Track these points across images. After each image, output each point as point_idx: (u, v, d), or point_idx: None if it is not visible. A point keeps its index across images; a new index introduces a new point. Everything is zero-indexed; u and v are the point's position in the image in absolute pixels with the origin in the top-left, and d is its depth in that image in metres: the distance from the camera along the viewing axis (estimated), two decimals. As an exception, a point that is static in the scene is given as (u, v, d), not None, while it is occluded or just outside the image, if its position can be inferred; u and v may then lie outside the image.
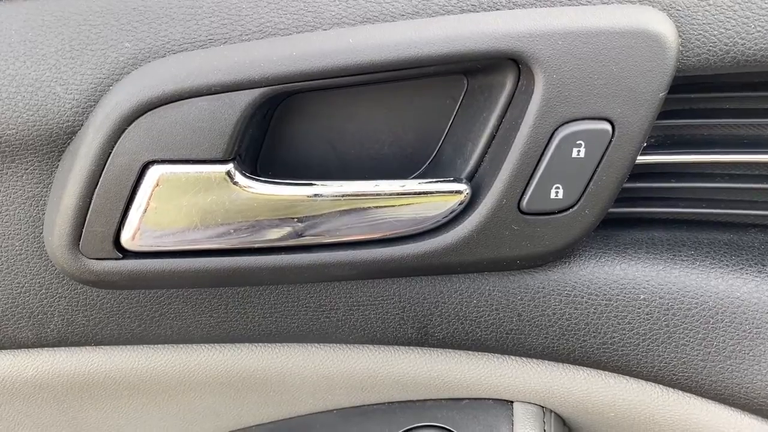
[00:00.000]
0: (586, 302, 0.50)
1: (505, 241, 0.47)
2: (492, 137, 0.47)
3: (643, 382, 0.53)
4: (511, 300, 0.51)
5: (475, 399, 0.59)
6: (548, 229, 0.47)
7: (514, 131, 0.45)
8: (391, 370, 0.57)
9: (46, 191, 0.48)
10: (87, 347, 0.57)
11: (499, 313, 0.52)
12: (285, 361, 0.57)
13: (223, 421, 0.64)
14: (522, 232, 0.47)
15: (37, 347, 0.56)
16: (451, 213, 0.47)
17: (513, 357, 0.55)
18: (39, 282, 0.52)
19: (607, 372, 0.53)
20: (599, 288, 0.50)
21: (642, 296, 0.50)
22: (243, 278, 0.50)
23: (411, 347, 0.56)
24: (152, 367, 0.58)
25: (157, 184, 0.45)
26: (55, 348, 0.57)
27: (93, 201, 0.45)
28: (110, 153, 0.44)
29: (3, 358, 0.56)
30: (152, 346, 0.57)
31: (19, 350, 0.56)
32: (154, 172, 0.45)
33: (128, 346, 0.57)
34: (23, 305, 0.53)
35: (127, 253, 0.47)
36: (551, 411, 0.58)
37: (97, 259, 0.47)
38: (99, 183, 0.45)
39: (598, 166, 0.45)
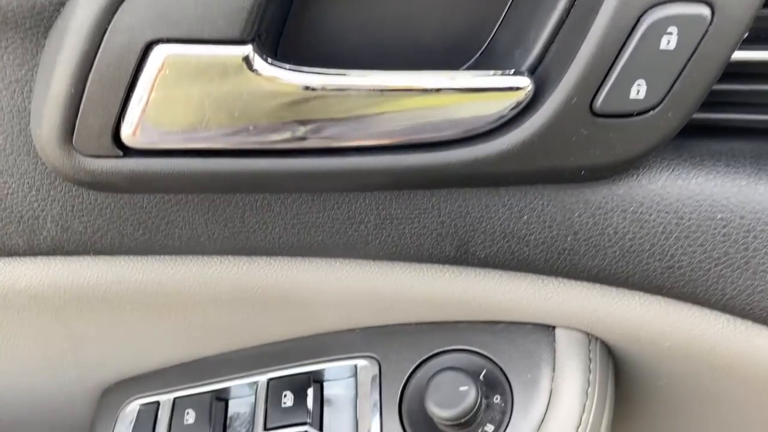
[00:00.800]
0: (653, 220, 0.44)
1: (570, 148, 0.41)
2: (561, 22, 0.39)
3: (708, 311, 0.47)
4: (567, 216, 0.45)
5: (513, 323, 0.54)
6: (623, 134, 0.40)
7: (592, 14, 0.37)
8: (422, 289, 0.52)
9: (32, 75, 0.41)
10: (85, 257, 0.51)
11: (552, 231, 0.46)
12: (306, 277, 0.51)
13: (234, 339, 0.59)
14: (592, 138, 0.40)
15: (29, 255, 0.50)
16: (508, 113, 0.40)
17: (560, 279, 0.50)
18: (28, 183, 0.45)
19: (668, 299, 0.48)
20: (670, 205, 0.44)
21: (719, 215, 0.43)
22: (262, 184, 0.43)
23: (446, 266, 0.50)
24: (158, 280, 0.52)
25: (163, 68, 0.38)
26: (50, 257, 0.51)
27: (87, 88, 0.38)
28: (106, 29, 0.37)
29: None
30: (158, 257, 0.51)
31: (11, 258, 0.51)
32: (159, 54, 0.37)
33: (131, 257, 0.51)
34: (11, 209, 0.46)
35: (128, 151, 0.41)
36: (597, 338, 0.53)
37: (93, 156, 0.41)
38: (93, 66, 0.38)
39: (689, 60, 0.38)
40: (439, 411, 0.49)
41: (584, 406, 0.49)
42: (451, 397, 0.49)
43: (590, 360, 0.51)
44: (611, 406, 0.53)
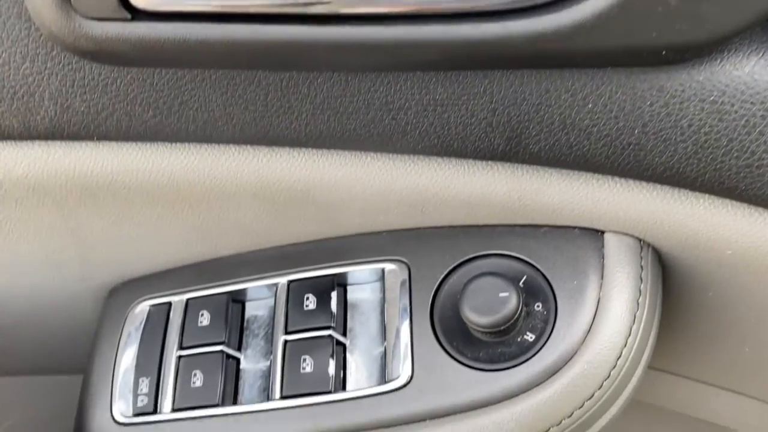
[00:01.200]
0: (735, 112, 0.39)
1: (654, 23, 0.35)
2: None
3: (785, 218, 0.43)
4: (638, 106, 0.39)
5: (558, 227, 0.49)
6: (717, 6, 0.34)
7: None
8: (460, 189, 0.47)
9: None
10: (88, 142, 0.46)
11: (618, 122, 0.40)
12: (333, 172, 0.46)
13: (252, 239, 0.55)
14: (680, 10, 0.34)
15: (26, 139, 0.45)
16: (584, -23, 0.34)
17: (617, 179, 0.45)
18: (21, 52, 0.39)
19: (739, 202, 0.43)
20: (757, 94, 0.38)
21: (813, 108, 0.38)
22: (289, 58, 0.38)
23: (490, 162, 0.45)
24: (169, 171, 0.47)
25: None
26: (49, 141, 0.45)
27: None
28: None
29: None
30: (170, 144, 0.46)
31: (5, 142, 0.45)
32: None
33: (139, 143, 0.46)
34: (3, 84, 0.41)
35: (137, 13, 0.35)
36: (649, 245, 0.49)
37: (96, 19, 0.35)
38: None
39: None
40: (477, 317, 0.45)
41: (635, 316, 0.46)
42: (489, 303, 0.46)
43: (642, 268, 0.47)
44: (659, 317, 0.49)
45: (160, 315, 0.57)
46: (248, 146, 0.46)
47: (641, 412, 0.57)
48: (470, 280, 0.47)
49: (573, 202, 0.47)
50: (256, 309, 0.56)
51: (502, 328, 0.45)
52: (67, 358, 0.68)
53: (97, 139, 0.44)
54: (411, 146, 0.43)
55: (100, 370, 0.57)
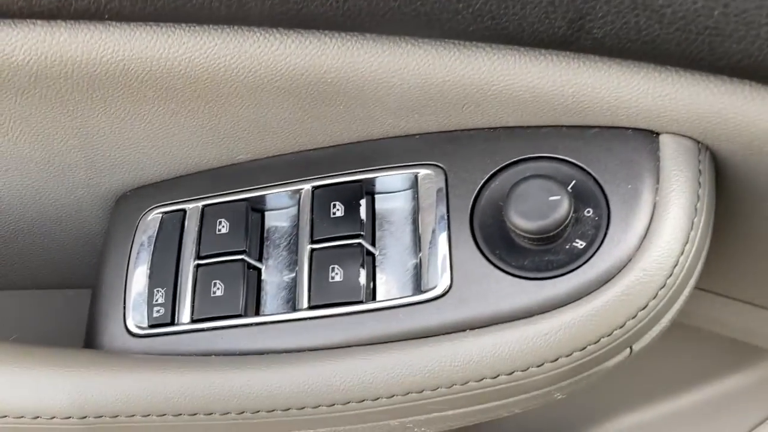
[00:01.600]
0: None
1: None
2: None
3: None
4: (721, -19, 0.35)
5: (608, 128, 0.45)
6: None
7: None
8: (509, 83, 0.43)
9: None
10: (96, 23, 0.41)
11: (696, 3, 0.36)
12: (369, 60, 0.42)
13: (272, 141, 0.51)
14: None
15: (27, 17, 0.40)
16: None
17: (680, 72, 0.41)
18: None
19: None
20: None
21: None
22: None
23: (545, 52, 0.41)
24: (187, 59, 0.43)
25: None
26: (52, 22, 0.41)
27: None
28: None
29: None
30: (189, 26, 0.41)
31: (3, 21, 0.40)
32: None
33: (155, 25, 0.41)
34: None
35: None
36: (707, 148, 0.45)
37: None
38: None
39: None
40: (524, 223, 0.42)
41: (693, 222, 0.43)
42: (538, 207, 0.42)
43: (699, 172, 0.44)
44: (713, 226, 0.46)
45: (174, 223, 0.53)
46: (276, 30, 0.41)
47: (681, 331, 0.54)
48: (516, 184, 0.43)
49: (629, 99, 0.43)
50: (276, 219, 0.53)
51: (551, 234, 0.42)
52: (73, 272, 0.65)
53: (109, 18, 0.39)
54: (460, 30, 0.39)
55: (112, 281, 0.53)
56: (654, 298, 0.42)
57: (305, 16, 0.39)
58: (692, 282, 0.45)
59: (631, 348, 0.44)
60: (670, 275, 0.42)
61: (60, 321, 0.66)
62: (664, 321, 0.44)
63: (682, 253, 0.42)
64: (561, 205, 0.42)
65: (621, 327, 0.42)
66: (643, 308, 0.42)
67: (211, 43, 0.42)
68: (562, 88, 0.42)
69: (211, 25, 0.41)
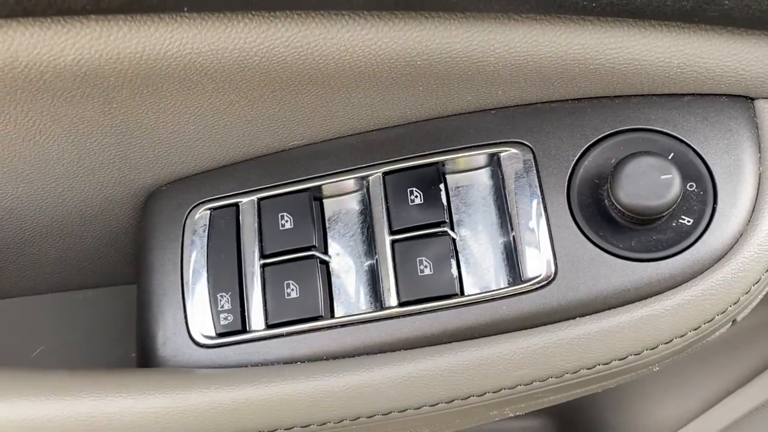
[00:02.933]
0: None
1: None
2: None
3: None
4: None
5: (703, 95, 0.44)
6: None
7: None
8: (611, 57, 0.40)
9: None
10: (162, 16, 0.35)
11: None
12: (467, 42, 0.38)
13: (331, 125, 0.47)
14: None
15: (89, 14, 0.34)
16: None
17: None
18: None
19: None
20: None
21: None
22: None
23: (654, 23, 0.39)
24: (264, 48, 0.38)
25: None
26: (111, 17, 0.35)
27: None
28: None
29: (33, 36, 0.34)
30: (268, 13, 0.36)
31: (57, 21, 0.34)
32: None
33: (229, 15, 0.36)
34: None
35: None
36: (801, 111, 0.44)
37: None
38: None
39: None
40: (638, 204, 0.40)
41: (797, 190, 0.42)
42: (650, 187, 0.40)
43: (798, 137, 0.43)
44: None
45: (228, 219, 0.49)
46: (369, 14, 0.37)
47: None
48: (623, 162, 0.41)
49: (730, 66, 0.41)
50: (337, 206, 0.49)
51: (664, 214, 0.41)
52: (96, 272, 0.59)
53: (168, 10, 0.34)
54: (580, 6, 0.36)
55: (164, 287, 0.49)
56: (767, 271, 0.41)
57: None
58: None
59: (735, 320, 0.44)
60: (782, 247, 0.41)
61: (87, 323, 0.61)
62: (767, 288, 0.44)
63: None
64: (673, 184, 0.40)
65: (735, 303, 0.41)
66: (756, 282, 0.41)
67: (293, 30, 0.37)
68: (670, 59, 0.40)
69: (291, 11, 0.36)
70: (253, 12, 0.36)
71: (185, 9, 0.33)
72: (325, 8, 0.36)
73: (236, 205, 0.49)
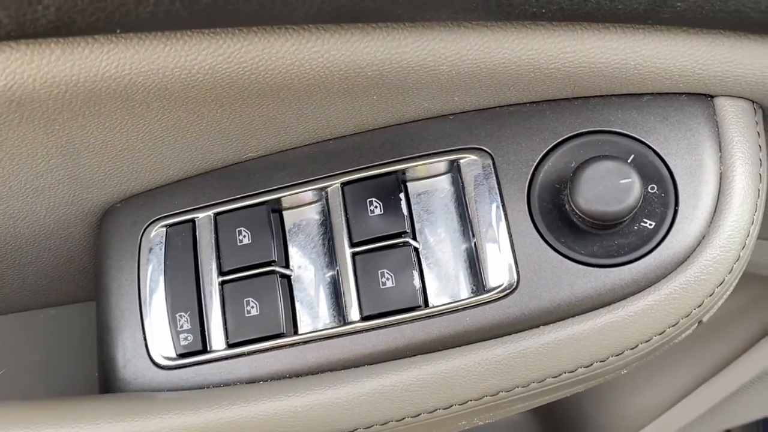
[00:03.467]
0: None
1: None
2: None
3: None
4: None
5: (662, 94, 0.43)
6: None
7: None
8: (566, 60, 0.39)
9: None
10: (98, 38, 0.34)
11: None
12: (417, 51, 0.37)
13: (288, 136, 0.45)
14: None
15: (18, 38, 0.32)
16: None
17: (735, 34, 0.38)
18: None
19: None
20: None
21: None
22: None
23: (608, 26, 0.38)
24: (207, 65, 0.36)
25: None
26: (50, 39, 0.33)
27: None
28: None
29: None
30: (216, 32, 0.35)
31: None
32: None
33: (169, 35, 0.35)
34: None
35: None
36: (761, 107, 0.43)
37: None
38: None
39: None
40: (597, 210, 0.39)
41: (759, 190, 0.41)
42: (609, 192, 0.40)
43: (758, 134, 0.42)
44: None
45: (184, 236, 0.47)
46: (315, 27, 0.35)
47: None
48: (581, 167, 0.40)
49: (688, 65, 0.40)
50: (297, 216, 0.48)
51: (625, 218, 0.40)
52: (55, 291, 0.58)
53: (121, 31, 0.32)
54: (530, 13, 0.35)
55: (122, 308, 0.48)
56: (730, 272, 0.41)
57: (354, 11, 0.33)
58: (753, 244, 0.44)
59: (701, 321, 0.43)
60: (743, 247, 0.41)
61: (49, 342, 0.59)
62: (732, 288, 0.43)
63: (752, 223, 0.41)
64: (633, 188, 0.39)
65: (699, 306, 0.41)
66: (720, 284, 0.41)
67: (235, 46, 0.36)
68: (626, 60, 0.39)
69: (232, 28, 0.35)
70: (192, 30, 0.34)
71: (118, 31, 0.32)
72: (265, 23, 0.35)
73: (192, 220, 0.47)
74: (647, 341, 0.41)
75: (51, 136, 0.41)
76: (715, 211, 0.41)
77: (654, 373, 0.79)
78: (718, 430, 1.11)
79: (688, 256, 0.40)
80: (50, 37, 0.33)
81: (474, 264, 0.44)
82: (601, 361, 0.41)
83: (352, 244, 0.44)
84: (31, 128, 0.40)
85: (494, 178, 0.43)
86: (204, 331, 0.45)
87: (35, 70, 0.35)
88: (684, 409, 0.77)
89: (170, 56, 0.35)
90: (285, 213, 0.48)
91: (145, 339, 0.46)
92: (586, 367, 0.41)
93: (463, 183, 0.44)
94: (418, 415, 0.43)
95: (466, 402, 0.42)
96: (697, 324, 0.44)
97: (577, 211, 0.40)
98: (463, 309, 0.42)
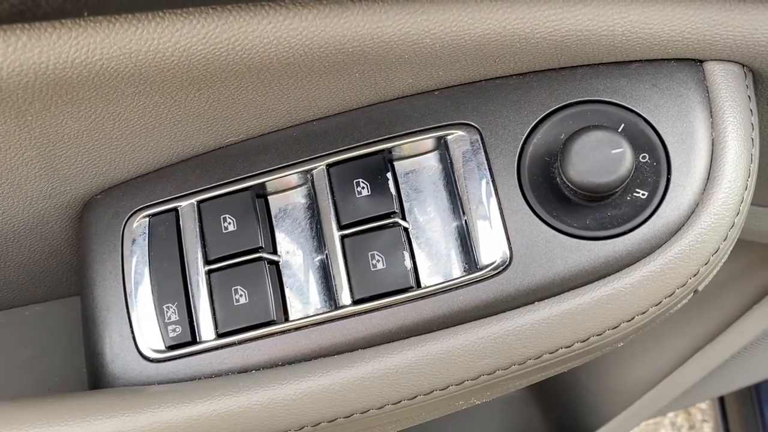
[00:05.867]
0: None
1: None
2: None
3: None
4: None
5: (651, 61, 0.42)
6: None
7: None
8: (552, 29, 0.38)
9: None
10: (65, 23, 0.32)
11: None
12: (398, 25, 0.36)
13: (269, 119, 0.44)
14: None
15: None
16: None
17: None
18: None
19: None
20: None
21: None
22: None
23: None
24: (181, 47, 0.35)
25: None
26: (15, 26, 0.32)
27: None
28: None
29: None
30: (189, 11, 0.33)
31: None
32: None
33: (139, 17, 0.33)
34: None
35: None
36: (750, 70, 0.43)
37: None
38: None
39: None
40: (589, 181, 0.39)
41: (751, 155, 0.41)
42: (601, 163, 0.39)
43: (749, 98, 0.42)
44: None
45: (168, 225, 0.46)
46: (291, 3, 0.34)
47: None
48: (571, 138, 0.39)
49: (677, 29, 0.39)
50: (283, 201, 0.47)
51: (617, 189, 0.39)
52: (37, 287, 0.57)
53: (89, 14, 0.31)
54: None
55: (108, 302, 0.46)
56: (725, 239, 0.40)
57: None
58: (747, 210, 0.43)
59: (696, 290, 0.43)
60: (737, 213, 0.40)
61: (36, 339, 0.58)
62: (726, 255, 0.43)
63: (746, 189, 0.40)
64: (624, 158, 0.39)
65: (695, 275, 0.40)
66: (715, 252, 0.40)
67: (209, 26, 0.34)
68: (614, 27, 0.38)
69: (208, 8, 0.33)
70: (164, 11, 0.33)
71: (86, 14, 0.31)
72: (240, 1, 0.33)
73: (175, 209, 0.46)
74: (643, 313, 0.40)
75: (23, 127, 0.40)
76: (708, 178, 0.40)
77: (648, 343, 0.79)
78: (712, 396, 1.11)
79: (683, 225, 0.40)
80: (15, 23, 0.31)
81: (465, 242, 0.43)
82: (597, 335, 0.41)
83: (341, 227, 0.43)
84: (2, 120, 0.38)
85: (483, 153, 0.43)
86: (192, 321, 0.44)
87: (1, 59, 0.33)
88: (679, 378, 0.77)
89: (142, 39, 0.34)
90: (270, 198, 0.47)
91: (132, 332, 0.45)
92: (583, 341, 0.41)
93: (451, 160, 0.43)
94: (415, 397, 0.42)
95: (463, 382, 0.42)
96: (692, 293, 0.43)
97: (569, 184, 0.40)
98: (456, 288, 0.42)
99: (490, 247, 0.41)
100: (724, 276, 0.75)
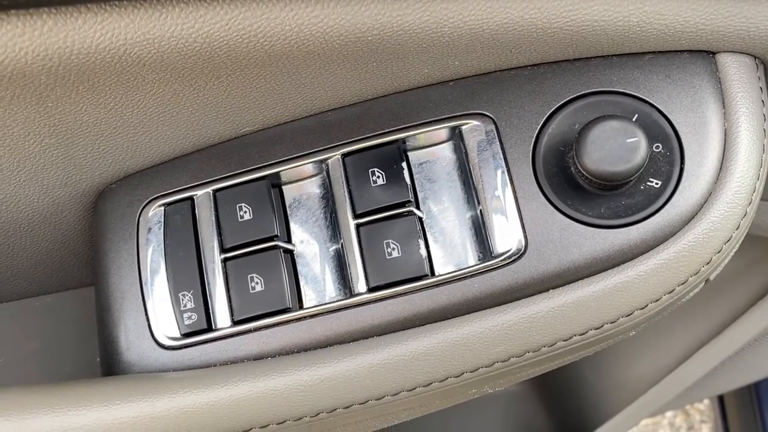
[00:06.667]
0: None
1: None
2: None
3: None
4: None
5: (664, 53, 0.43)
6: None
7: None
8: (569, 19, 0.38)
9: None
10: (91, 7, 0.33)
11: None
12: (418, 14, 0.36)
13: (288, 107, 0.45)
14: None
15: (6, 8, 0.31)
16: None
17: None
18: None
19: None
20: None
21: None
22: None
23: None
24: (204, 34, 0.35)
25: None
26: (33, 11, 0.32)
27: None
28: None
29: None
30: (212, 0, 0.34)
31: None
32: None
33: (164, 2, 0.34)
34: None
35: None
36: (762, 62, 0.43)
37: None
38: None
39: None
40: (605, 170, 0.39)
41: (764, 145, 0.41)
42: (616, 151, 0.39)
43: (761, 89, 0.42)
44: None
45: (183, 214, 0.46)
46: (313, -9, 0.35)
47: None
48: (587, 127, 0.40)
49: (691, 20, 0.40)
50: (297, 191, 0.47)
51: (632, 178, 0.40)
52: (51, 278, 0.57)
53: (115, -1, 0.31)
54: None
55: (123, 289, 0.47)
56: (737, 228, 0.41)
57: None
58: (759, 200, 0.44)
59: (708, 279, 0.43)
60: (750, 203, 0.41)
61: (47, 329, 0.58)
62: (738, 244, 0.43)
63: (758, 178, 0.41)
64: (639, 147, 0.39)
65: (708, 263, 0.41)
66: (728, 240, 0.41)
67: (233, 12, 0.35)
68: (629, 17, 0.39)
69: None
70: (182, -3, 0.33)
71: (111, -2, 0.31)
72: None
73: (191, 198, 0.47)
74: (657, 300, 0.41)
75: (44, 114, 0.40)
76: (721, 168, 0.41)
77: (653, 339, 0.80)
78: (714, 394, 1.12)
79: (696, 214, 0.40)
80: (41, 7, 0.31)
81: (479, 231, 0.43)
82: (611, 323, 0.41)
83: (356, 216, 0.44)
84: (23, 106, 0.39)
85: (498, 143, 0.43)
86: (208, 309, 0.45)
87: (27, 43, 0.33)
88: (684, 373, 0.77)
89: (166, 25, 0.34)
90: (285, 188, 0.47)
91: (147, 320, 0.46)
92: (597, 329, 0.41)
93: (466, 149, 0.44)
94: (430, 384, 0.42)
95: (477, 369, 0.42)
96: (704, 282, 0.44)
97: (584, 173, 0.40)
98: (471, 276, 0.42)
99: (505, 236, 0.42)
100: (729, 271, 0.76)
